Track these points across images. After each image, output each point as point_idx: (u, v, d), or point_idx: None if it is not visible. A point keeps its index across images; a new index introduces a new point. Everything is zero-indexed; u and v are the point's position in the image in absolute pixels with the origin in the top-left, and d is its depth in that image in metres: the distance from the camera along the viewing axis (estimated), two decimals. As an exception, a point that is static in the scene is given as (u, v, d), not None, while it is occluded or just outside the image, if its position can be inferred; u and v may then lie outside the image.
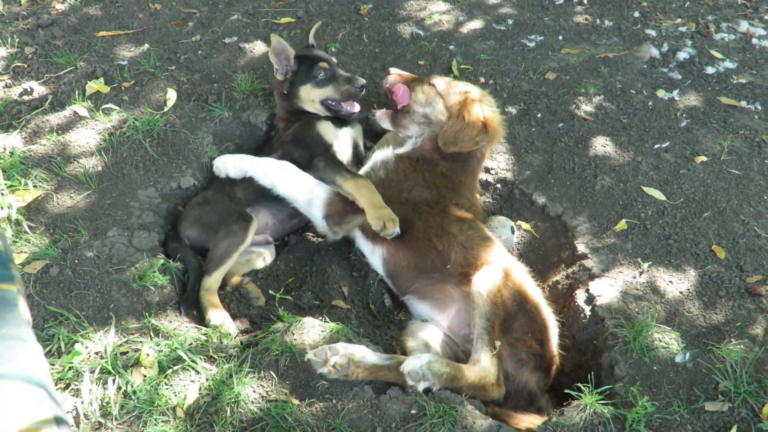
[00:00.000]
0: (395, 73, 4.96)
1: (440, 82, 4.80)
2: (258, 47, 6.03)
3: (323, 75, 4.82)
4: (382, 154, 4.74)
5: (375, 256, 4.51)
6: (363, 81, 4.86)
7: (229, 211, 4.49)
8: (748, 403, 3.51)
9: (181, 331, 3.82)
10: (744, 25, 6.78)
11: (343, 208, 4.44)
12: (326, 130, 4.81)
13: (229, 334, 3.91)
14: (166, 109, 5.21)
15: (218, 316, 4.04)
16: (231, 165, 4.63)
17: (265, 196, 4.58)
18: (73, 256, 4.06)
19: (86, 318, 3.72)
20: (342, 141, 4.91)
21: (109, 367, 3.47)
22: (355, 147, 5.03)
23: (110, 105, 5.17)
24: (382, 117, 4.97)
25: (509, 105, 5.60)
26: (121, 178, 4.66)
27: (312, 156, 4.65)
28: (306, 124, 4.83)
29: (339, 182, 4.47)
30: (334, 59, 5.00)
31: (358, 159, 5.03)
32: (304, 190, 4.50)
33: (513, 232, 4.83)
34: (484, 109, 4.65)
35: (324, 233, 4.61)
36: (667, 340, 3.85)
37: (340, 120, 4.97)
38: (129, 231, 4.32)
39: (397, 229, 4.24)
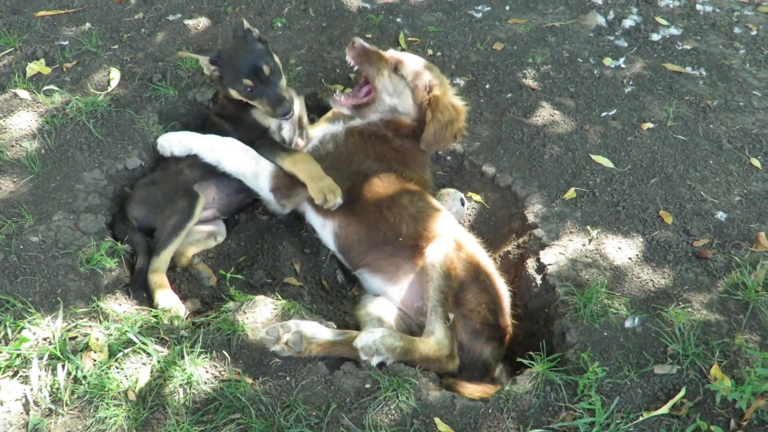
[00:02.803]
0: (360, 45, 4.75)
1: (408, 71, 4.70)
2: (203, 23, 5.95)
3: (249, 90, 4.49)
4: (332, 128, 4.73)
5: (326, 230, 4.50)
6: (290, 110, 4.49)
7: (175, 189, 4.43)
8: (696, 365, 3.58)
9: (131, 314, 3.78)
10: (688, -9, 6.85)
11: (290, 180, 4.40)
12: (262, 114, 4.69)
13: (179, 317, 3.87)
14: (109, 90, 5.12)
15: (167, 298, 4.00)
16: (175, 143, 4.55)
17: (212, 172, 4.52)
18: (18, 241, 3.99)
19: (33, 304, 3.67)
20: (283, 122, 4.79)
21: (58, 353, 3.43)
22: (299, 120, 4.95)
23: (52, 86, 5.07)
24: (342, 105, 4.80)
25: (457, 77, 5.59)
26: (66, 161, 4.58)
27: (250, 139, 4.59)
28: (242, 109, 4.71)
29: (278, 162, 4.45)
30: (265, 66, 4.44)
31: (303, 132, 4.96)
32: (250, 165, 4.44)
33: (463, 204, 4.83)
34: (453, 102, 4.68)
35: (273, 207, 4.57)
36: (617, 306, 3.90)
37: None
38: (75, 214, 4.23)
39: (340, 200, 4.24)
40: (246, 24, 4.60)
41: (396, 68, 4.67)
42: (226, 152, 4.47)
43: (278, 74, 4.52)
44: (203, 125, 5.01)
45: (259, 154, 4.49)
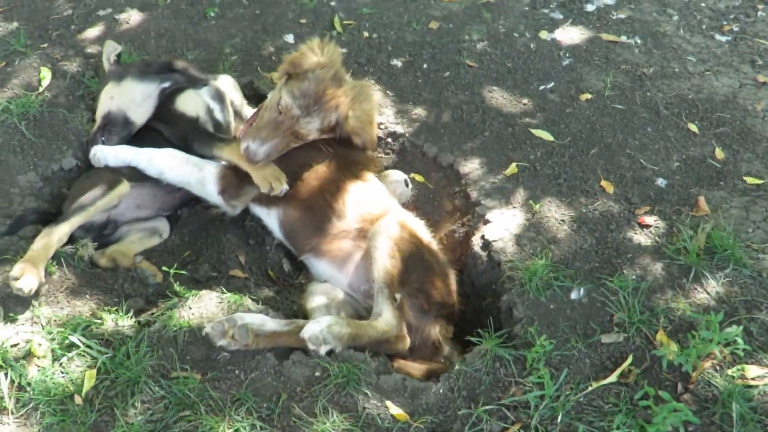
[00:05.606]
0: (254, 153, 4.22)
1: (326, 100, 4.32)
2: (134, 17, 5.85)
3: None
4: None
5: (271, 218, 4.45)
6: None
7: (101, 177, 4.32)
8: (642, 331, 3.64)
9: (73, 317, 3.71)
10: (621, -40, 6.89)
11: (236, 179, 4.32)
12: (186, 104, 4.65)
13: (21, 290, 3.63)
14: (41, 89, 5.02)
15: (28, 276, 3.67)
16: (111, 156, 4.41)
17: None
18: (-48, 250, 3.88)
19: (-29, 312, 3.58)
20: (210, 102, 4.77)
21: (0, 362, 3.36)
22: (232, 102, 4.92)
23: (-20, 89, 4.94)
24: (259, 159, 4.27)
25: (394, 58, 5.58)
26: None
27: (183, 134, 4.55)
28: (167, 100, 4.66)
29: (216, 153, 4.39)
30: None
31: (238, 115, 4.93)
32: (193, 173, 4.35)
33: (407, 186, 4.82)
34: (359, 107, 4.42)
35: (224, 209, 4.48)
36: (562, 278, 3.93)
37: (201, 83, 4.82)
38: (11, 220, 4.17)
39: (285, 186, 4.18)
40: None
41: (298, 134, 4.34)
42: (167, 163, 4.37)
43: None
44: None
45: (197, 154, 4.43)
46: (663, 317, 3.69)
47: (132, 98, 4.61)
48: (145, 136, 4.67)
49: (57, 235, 3.96)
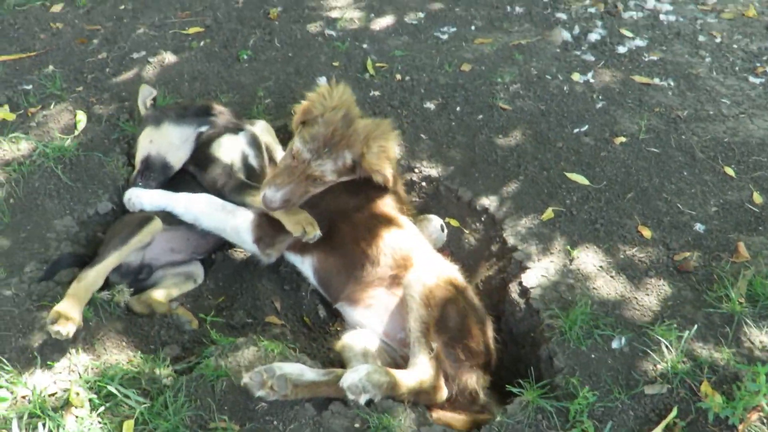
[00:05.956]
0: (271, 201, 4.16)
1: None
2: (168, 59, 5.89)
3: None
4: None
5: (305, 265, 4.42)
6: None
7: (134, 218, 4.34)
8: (686, 382, 3.56)
9: (111, 365, 3.67)
10: (651, 2, 6.89)
11: (271, 228, 4.30)
12: (222, 149, 4.66)
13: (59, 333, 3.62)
14: (76, 133, 5.04)
15: (65, 319, 3.66)
16: (147, 201, 4.43)
17: None
18: (-9, 296, 3.86)
19: (9, 361, 3.56)
20: (246, 148, 4.77)
21: (38, 411, 3.33)
22: (267, 147, 4.92)
23: (18, 133, 4.97)
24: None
25: (427, 100, 5.56)
26: (35, 209, 4.49)
27: (216, 179, 4.57)
28: (204, 145, 4.69)
29: (249, 201, 4.38)
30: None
31: (272, 159, 4.93)
32: (228, 220, 4.36)
33: (443, 230, 4.79)
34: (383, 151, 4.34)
35: (258, 258, 4.45)
36: (603, 327, 3.86)
37: (238, 128, 4.83)
38: (47, 264, 4.13)
39: (318, 232, 4.15)
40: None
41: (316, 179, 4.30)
42: (202, 209, 4.39)
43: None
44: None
45: (229, 200, 4.43)
46: (707, 367, 3.61)
47: (170, 142, 4.64)
48: (178, 179, 4.68)
49: (93, 277, 3.97)
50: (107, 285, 4.15)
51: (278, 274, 4.67)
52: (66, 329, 3.62)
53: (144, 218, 4.26)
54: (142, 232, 4.19)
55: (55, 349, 3.67)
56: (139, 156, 4.64)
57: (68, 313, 3.68)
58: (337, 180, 4.31)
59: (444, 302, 3.95)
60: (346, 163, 4.25)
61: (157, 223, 4.27)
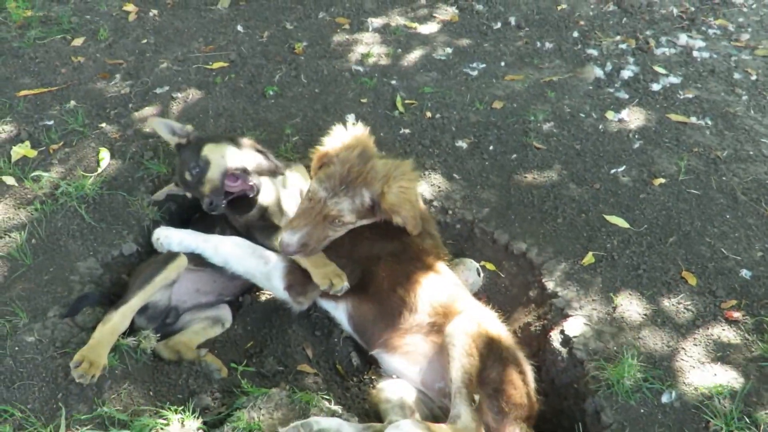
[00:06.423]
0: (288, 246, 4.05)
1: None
2: (192, 95, 5.79)
3: (189, 195, 4.56)
4: None
5: (339, 311, 4.29)
6: (215, 206, 4.33)
7: (160, 257, 4.24)
8: (741, 441, 3.40)
9: (139, 417, 3.51)
10: (683, 38, 6.80)
11: (302, 275, 4.17)
12: (262, 191, 4.51)
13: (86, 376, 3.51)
14: (99, 171, 4.92)
15: (89, 363, 3.56)
16: (175, 242, 4.29)
17: None
18: (13, 342, 3.73)
19: (33, 412, 3.42)
20: (282, 192, 4.69)
21: (65, 467, 3.17)
22: (301, 192, 4.79)
23: (39, 171, 4.85)
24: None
25: (458, 139, 5.44)
26: (58, 251, 4.36)
27: (249, 220, 4.48)
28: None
29: (277, 245, 4.24)
30: (187, 174, 4.40)
31: None
32: (259, 265, 4.23)
33: (479, 274, 4.67)
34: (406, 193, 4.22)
35: (289, 305, 4.31)
36: (651, 379, 3.73)
37: (277, 171, 4.72)
38: (72, 301, 4.02)
39: (346, 284, 4.03)
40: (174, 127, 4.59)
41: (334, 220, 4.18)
42: (232, 253, 4.26)
43: (202, 172, 4.38)
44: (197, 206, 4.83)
45: (261, 245, 4.32)
46: (763, 425, 3.46)
47: (242, 156, 4.52)
48: (205, 220, 4.59)
49: (118, 318, 3.86)
50: (133, 330, 4.03)
51: (309, 319, 4.53)
52: (90, 374, 3.52)
53: (168, 255, 4.17)
54: (168, 268, 4.09)
55: (80, 399, 3.52)
56: (216, 172, 4.41)
57: (93, 357, 3.58)
58: (356, 222, 4.18)
59: (486, 351, 3.80)
60: (365, 203, 4.11)
61: (182, 260, 4.17)
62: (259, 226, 4.44)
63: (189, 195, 4.53)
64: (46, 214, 4.55)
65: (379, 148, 4.48)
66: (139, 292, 3.97)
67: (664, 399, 3.65)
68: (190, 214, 4.86)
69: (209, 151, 4.43)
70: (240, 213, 4.52)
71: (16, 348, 3.72)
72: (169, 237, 4.30)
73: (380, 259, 4.23)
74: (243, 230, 4.48)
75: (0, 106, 5.63)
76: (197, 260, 4.28)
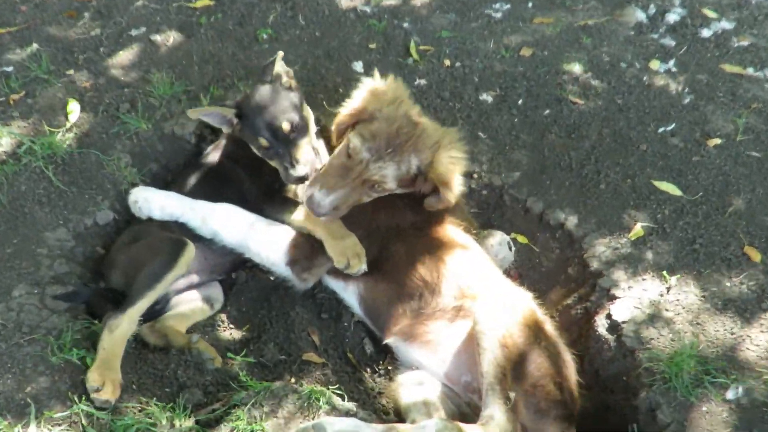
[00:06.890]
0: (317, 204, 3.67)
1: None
2: (173, 38, 5.21)
3: (265, 150, 3.96)
4: None
5: (348, 293, 3.93)
6: (304, 176, 3.88)
7: (161, 239, 3.83)
8: (821, 441, 3.09)
9: (122, 415, 3.15)
10: (735, -23, 6.22)
11: (309, 248, 3.80)
12: None
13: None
14: (68, 126, 4.40)
15: (109, 383, 3.25)
16: (156, 207, 3.91)
17: None
18: (-30, 327, 3.42)
19: (-2, 408, 3.15)
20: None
21: (35, 474, 2.89)
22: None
23: (-3, 126, 4.36)
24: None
25: (483, 91, 4.91)
26: (22, 219, 3.95)
27: (260, 189, 4.08)
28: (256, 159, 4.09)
29: (287, 218, 3.90)
30: (285, 123, 3.87)
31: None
32: (257, 236, 3.83)
33: (510, 248, 4.24)
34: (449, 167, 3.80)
35: (292, 283, 3.91)
36: (714, 373, 3.37)
37: None
38: (39, 287, 3.62)
39: (364, 266, 3.72)
40: (278, 66, 3.99)
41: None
42: (224, 223, 3.87)
43: (302, 132, 3.95)
44: (187, 163, 4.44)
45: (268, 217, 3.91)
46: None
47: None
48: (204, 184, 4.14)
49: (126, 324, 3.48)
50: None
51: (314, 299, 4.09)
52: (115, 394, 3.22)
53: (174, 244, 3.75)
54: (179, 264, 3.69)
55: (52, 394, 3.19)
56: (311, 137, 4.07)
57: (107, 374, 3.26)
58: (395, 190, 3.76)
59: (523, 341, 3.44)
60: (411, 170, 3.69)
61: (191, 250, 3.76)
62: (271, 198, 4.02)
63: (256, 148, 4.00)
64: (7, 177, 4.09)
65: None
66: (148, 292, 3.59)
67: (730, 395, 3.32)
68: (174, 177, 4.39)
69: (307, 112, 4.14)
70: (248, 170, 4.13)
71: (-22, 334, 3.40)
72: (148, 200, 3.93)
73: (400, 232, 3.86)
74: (252, 197, 4.05)
75: (-48, 50, 5.08)
76: (187, 230, 3.91)
